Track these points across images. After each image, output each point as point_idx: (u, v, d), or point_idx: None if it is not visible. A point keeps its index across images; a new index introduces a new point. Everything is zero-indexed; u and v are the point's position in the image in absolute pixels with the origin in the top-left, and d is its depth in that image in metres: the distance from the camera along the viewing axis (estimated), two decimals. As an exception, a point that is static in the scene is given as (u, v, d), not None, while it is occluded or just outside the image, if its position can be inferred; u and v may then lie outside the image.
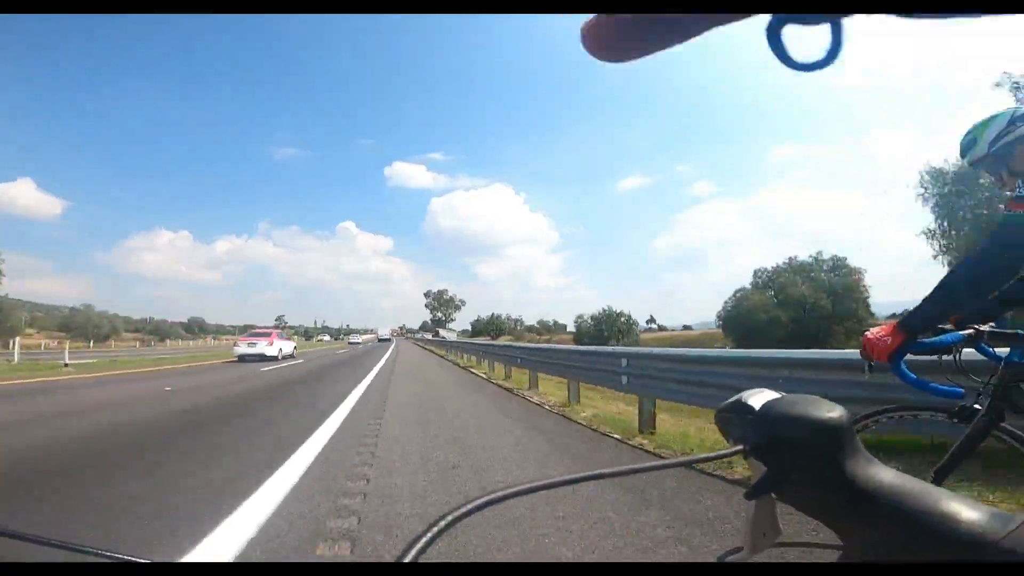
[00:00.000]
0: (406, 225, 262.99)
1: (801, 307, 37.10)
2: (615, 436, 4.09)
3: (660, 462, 0.31)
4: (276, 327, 75.81)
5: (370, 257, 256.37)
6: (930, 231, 24.55)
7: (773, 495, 0.33)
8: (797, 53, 0.19)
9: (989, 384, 1.44)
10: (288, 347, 18.43)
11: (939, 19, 0.17)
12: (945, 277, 1.40)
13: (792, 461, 0.31)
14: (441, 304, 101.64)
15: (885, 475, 0.30)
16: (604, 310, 57.48)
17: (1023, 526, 0.25)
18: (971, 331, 1.45)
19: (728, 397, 0.36)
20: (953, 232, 23.26)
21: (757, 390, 0.35)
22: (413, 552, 0.25)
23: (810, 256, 40.86)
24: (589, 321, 58.54)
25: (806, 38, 0.19)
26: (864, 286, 38.27)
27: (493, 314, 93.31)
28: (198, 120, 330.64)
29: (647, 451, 3.63)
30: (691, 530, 2.11)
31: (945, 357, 1.52)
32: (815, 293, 37.35)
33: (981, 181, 19.71)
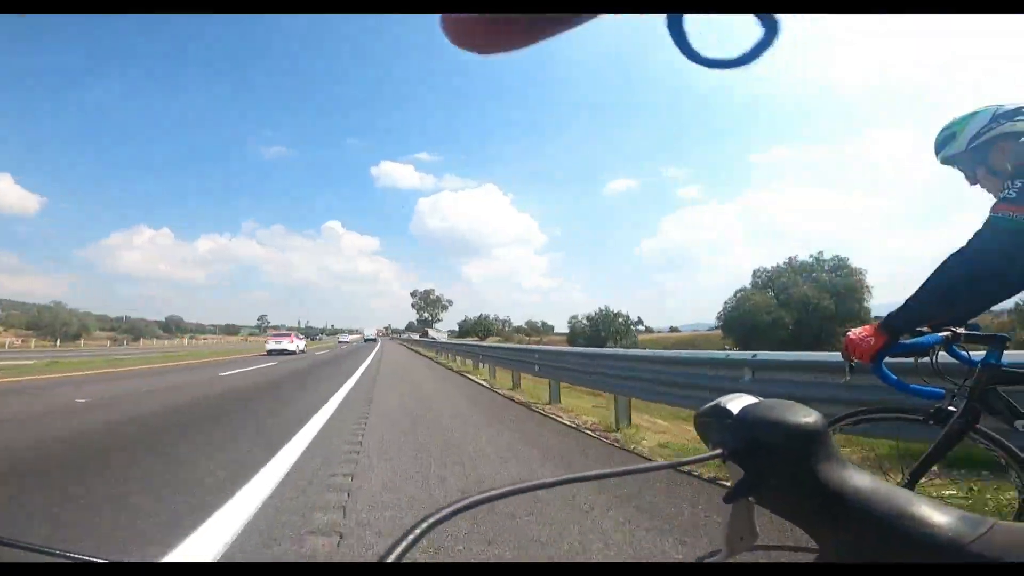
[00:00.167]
0: (393, 225, 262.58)
1: (804, 308, 37.39)
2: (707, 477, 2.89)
3: (644, 465, 0.33)
4: (293, 329, 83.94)
5: (356, 257, 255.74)
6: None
7: (751, 499, 0.34)
8: (704, 48, 0.19)
9: (965, 386, 1.48)
10: (301, 344, 27.99)
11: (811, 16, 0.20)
12: (928, 279, 1.42)
13: (769, 465, 0.32)
14: (428, 304, 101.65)
15: (857, 479, 0.31)
16: (601, 310, 57.32)
17: (992, 530, 0.26)
18: (948, 333, 1.49)
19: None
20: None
21: (735, 395, 0.37)
22: (399, 550, 0.25)
23: (811, 256, 41.26)
24: (584, 322, 58.32)
25: (716, 34, 0.19)
26: (867, 287, 38.69)
27: (481, 315, 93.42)
28: (182, 117, 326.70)
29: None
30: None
31: (923, 360, 1.58)
32: (818, 294, 37.67)
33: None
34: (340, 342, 62.94)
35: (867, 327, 1.50)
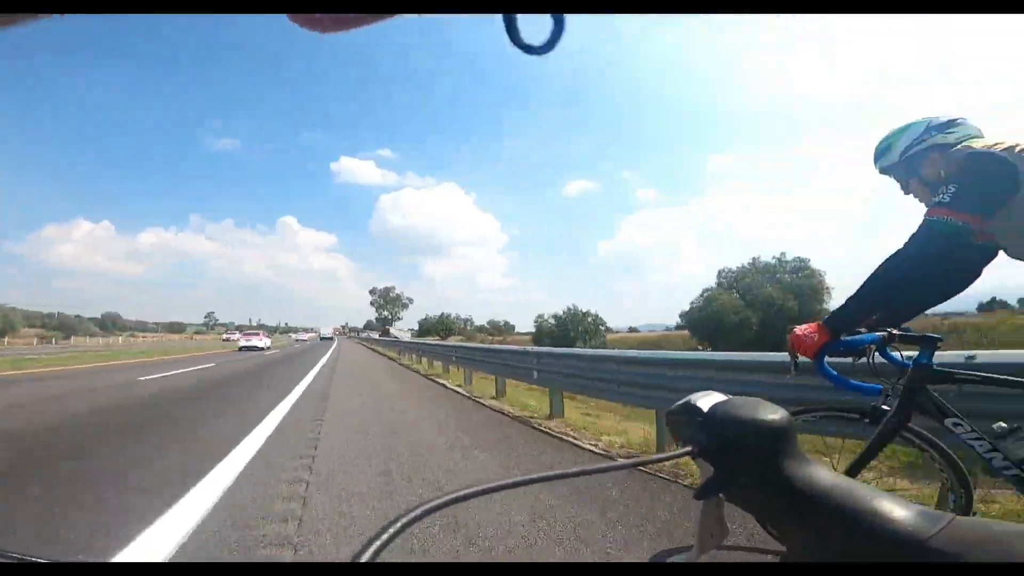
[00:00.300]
0: (352, 222, 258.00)
1: (769, 308, 38.80)
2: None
3: (611, 464, 0.33)
4: (260, 328, 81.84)
5: (312, 254, 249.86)
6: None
7: (721, 496, 0.35)
8: (529, 37, 0.23)
9: (898, 385, 1.55)
10: (268, 341, 31.57)
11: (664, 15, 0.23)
12: (867, 279, 1.50)
13: (738, 462, 0.33)
14: (387, 302, 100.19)
15: (821, 475, 0.32)
16: (570, 309, 57.55)
17: (951, 525, 0.27)
18: (884, 333, 1.56)
19: None
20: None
21: (705, 392, 0.38)
22: (373, 549, 0.26)
23: (774, 258, 42.84)
24: (550, 321, 58.06)
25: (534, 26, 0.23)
26: (827, 288, 40.54)
27: (443, 313, 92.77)
28: (127, 106, 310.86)
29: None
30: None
31: (861, 359, 1.64)
32: (782, 295, 39.17)
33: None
34: (297, 340, 64.33)
35: (811, 324, 1.57)
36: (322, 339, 64.28)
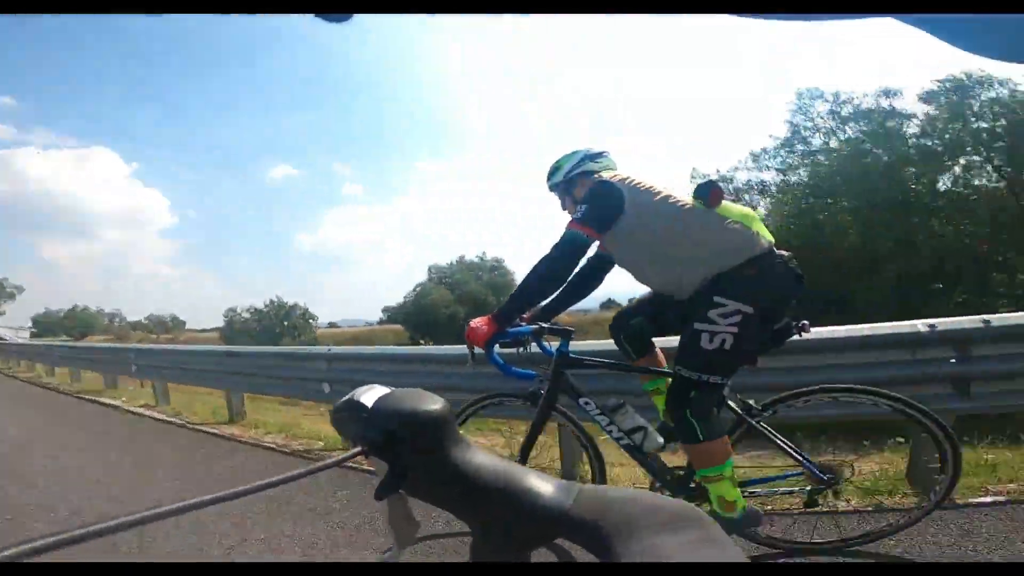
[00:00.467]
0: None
1: (475, 304, 43.47)
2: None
3: (283, 476, 0.31)
4: None
5: None
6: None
7: (402, 492, 0.35)
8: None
9: (548, 371, 1.85)
10: None
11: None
12: (524, 278, 1.73)
13: (409, 456, 0.34)
14: (-29, 290, 70.03)
15: (482, 459, 0.35)
16: (274, 301, 51.39)
17: (581, 494, 0.32)
18: (536, 326, 1.84)
19: None
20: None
21: (368, 387, 0.37)
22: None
23: (477, 256, 48.39)
24: (245, 315, 50.73)
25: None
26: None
27: (76, 306, 70.30)
28: None
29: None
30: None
31: (523, 348, 1.91)
32: (485, 291, 44.50)
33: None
34: None
35: (484, 318, 1.73)
36: None
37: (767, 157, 19.50)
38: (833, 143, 17.85)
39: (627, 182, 1.75)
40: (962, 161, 14.45)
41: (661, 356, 1.98)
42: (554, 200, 1.99)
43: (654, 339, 1.96)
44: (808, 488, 1.73)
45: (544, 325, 1.86)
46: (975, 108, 14.24)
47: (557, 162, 1.95)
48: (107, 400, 6.59)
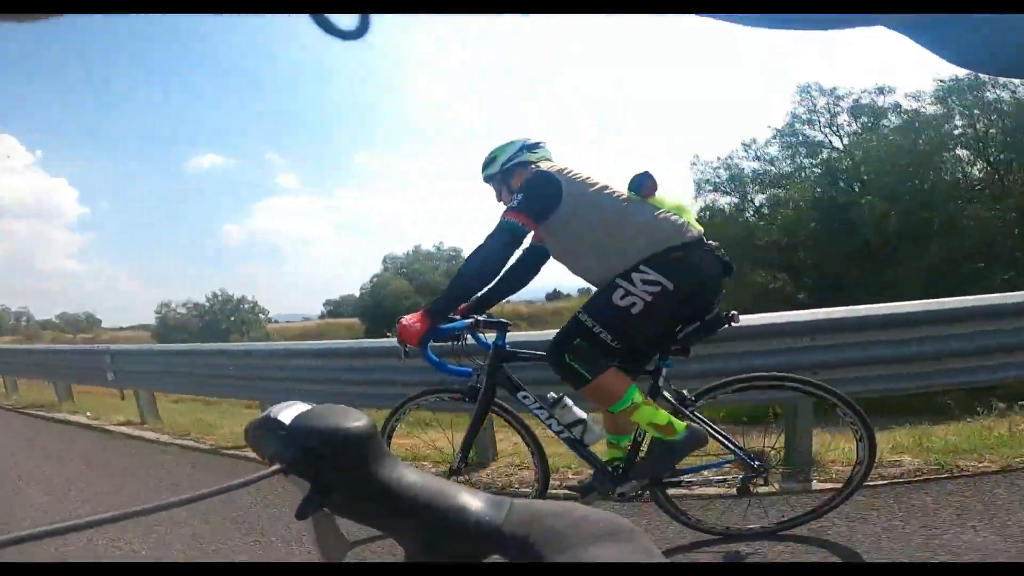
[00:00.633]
0: None
1: (435, 293, 43.21)
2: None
3: (197, 493, 0.30)
4: None
5: None
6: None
7: (326, 509, 0.35)
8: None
9: (484, 366, 1.85)
10: None
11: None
12: (458, 271, 1.72)
13: (330, 474, 0.34)
14: None
15: (410, 476, 0.35)
16: (217, 294, 48.94)
17: (512, 509, 0.33)
18: (472, 320, 1.84)
19: None
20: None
21: (286, 404, 0.37)
22: None
23: (434, 247, 48.02)
24: (180, 311, 47.75)
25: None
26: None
27: None
28: None
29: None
30: None
31: (458, 343, 1.90)
32: (444, 281, 44.30)
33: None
34: None
35: (416, 314, 1.71)
36: None
37: (759, 147, 21.01)
38: (837, 139, 19.56)
39: (564, 173, 1.77)
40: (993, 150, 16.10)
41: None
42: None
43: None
44: (740, 475, 1.81)
45: (480, 318, 1.86)
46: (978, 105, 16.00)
47: (493, 152, 1.95)
48: (65, 415, 5.28)
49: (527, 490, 2.43)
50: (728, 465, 1.84)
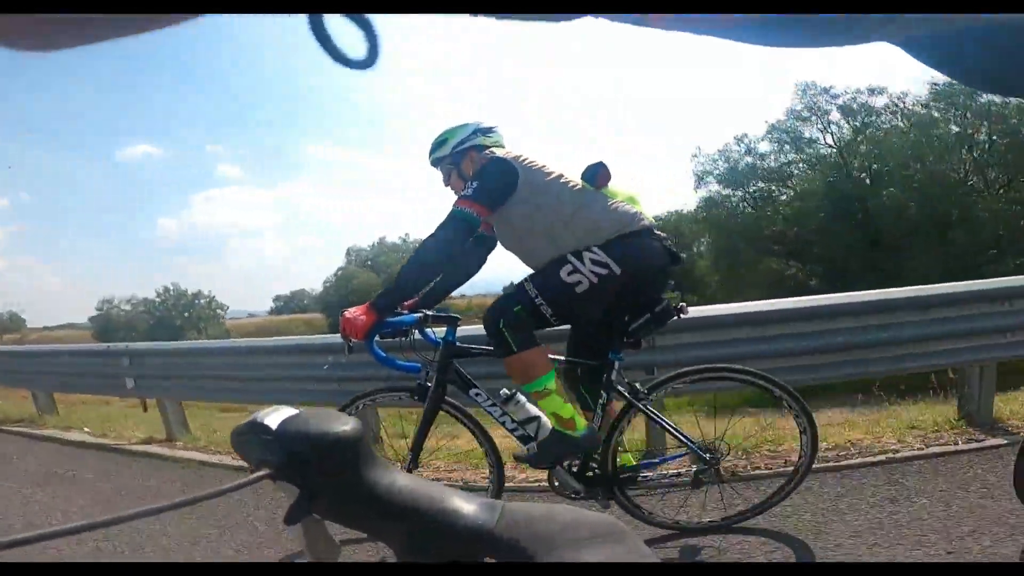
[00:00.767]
0: None
1: (405, 287, 43.18)
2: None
3: (185, 498, 0.30)
4: None
5: None
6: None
7: (315, 515, 0.36)
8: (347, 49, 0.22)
9: (433, 362, 1.82)
10: None
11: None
12: (406, 263, 1.69)
13: (320, 478, 0.35)
14: None
15: (401, 479, 0.36)
16: (169, 289, 46.93)
17: (505, 512, 0.34)
18: (420, 314, 1.80)
19: None
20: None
21: (273, 408, 0.37)
22: None
23: (400, 238, 47.63)
24: (125, 307, 45.67)
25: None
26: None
27: None
28: None
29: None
30: None
31: (406, 338, 1.86)
32: (415, 273, 44.34)
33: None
34: None
35: (361, 307, 1.67)
36: None
37: (752, 141, 22.29)
38: (830, 136, 21.04)
39: (520, 160, 1.75)
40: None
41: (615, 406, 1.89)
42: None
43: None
44: (694, 468, 1.83)
45: (429, 313, 1.82)
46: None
47: (443, 134, 1.90)
48: (32, 429, 4.38)
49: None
50: (682, 459, 1.86)
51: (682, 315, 1.74)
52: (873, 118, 20.23)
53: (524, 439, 1.82)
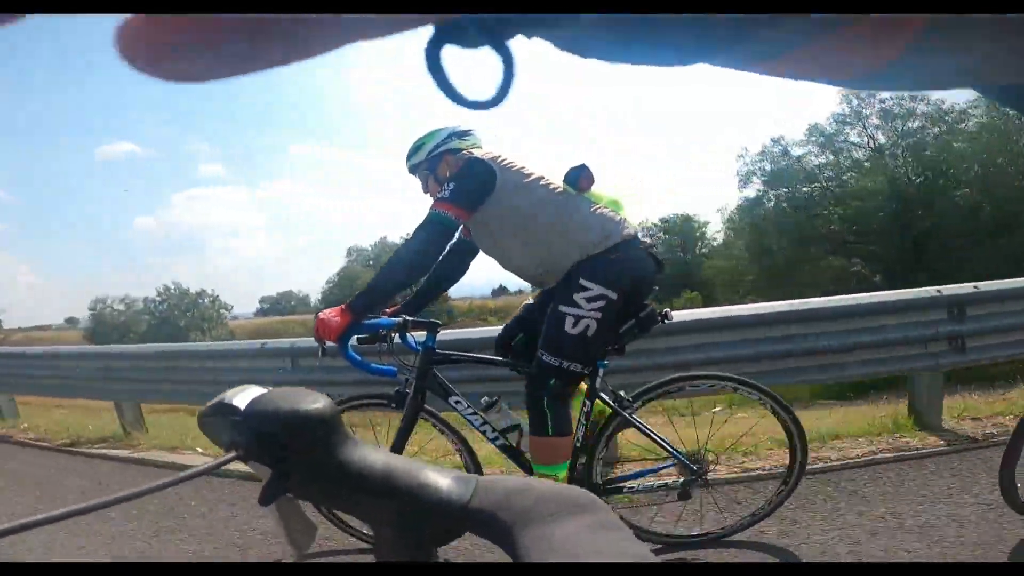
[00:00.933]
0: None
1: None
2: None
3: (154, 484, 0.30)
4: None
5: None
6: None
7: (290, 495, 0.37)
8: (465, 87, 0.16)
9: (413, 369, 1.81)
10: None
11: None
12: (384, 265, 1.68)
13: (291, 457, 0.34)
14: None
15: (374, 456, 0.36)
16: (171, 288, 46.30)
17: (479, 485, 0.35)
18: (400, 319, 1.78)
19: None
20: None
21: (241, 388, 0.37)
22: None
23: (400, 238, 47.98)
24: (119, 307, 44.78)
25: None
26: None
27: None
28: None
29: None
30: None
31: (384, 343, 1.84)
32: (420, 271, 44.93)
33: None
34: None
35: (336, 308, 1.66)
36: None
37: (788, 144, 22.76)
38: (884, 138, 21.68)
39: (499, 161, 1.73)
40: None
41: None
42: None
43: None
44: (681, 480, 1.80)
45: (408, 318, 1.80)
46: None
47: (418, 141, 1.88)
48: (161, 456, 3.39)
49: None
50: (670, 470, 1.84)
51: (667, 320, 1.72)
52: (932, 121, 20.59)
53: (505, 449, 1.80)
